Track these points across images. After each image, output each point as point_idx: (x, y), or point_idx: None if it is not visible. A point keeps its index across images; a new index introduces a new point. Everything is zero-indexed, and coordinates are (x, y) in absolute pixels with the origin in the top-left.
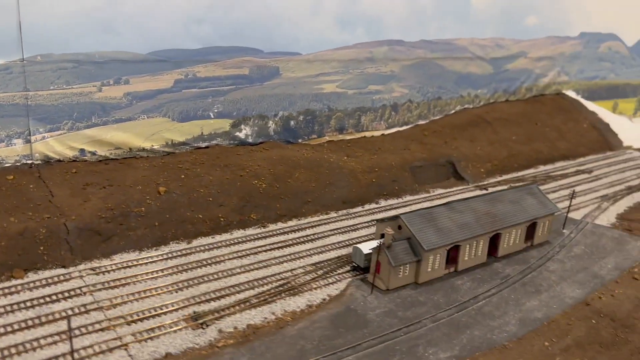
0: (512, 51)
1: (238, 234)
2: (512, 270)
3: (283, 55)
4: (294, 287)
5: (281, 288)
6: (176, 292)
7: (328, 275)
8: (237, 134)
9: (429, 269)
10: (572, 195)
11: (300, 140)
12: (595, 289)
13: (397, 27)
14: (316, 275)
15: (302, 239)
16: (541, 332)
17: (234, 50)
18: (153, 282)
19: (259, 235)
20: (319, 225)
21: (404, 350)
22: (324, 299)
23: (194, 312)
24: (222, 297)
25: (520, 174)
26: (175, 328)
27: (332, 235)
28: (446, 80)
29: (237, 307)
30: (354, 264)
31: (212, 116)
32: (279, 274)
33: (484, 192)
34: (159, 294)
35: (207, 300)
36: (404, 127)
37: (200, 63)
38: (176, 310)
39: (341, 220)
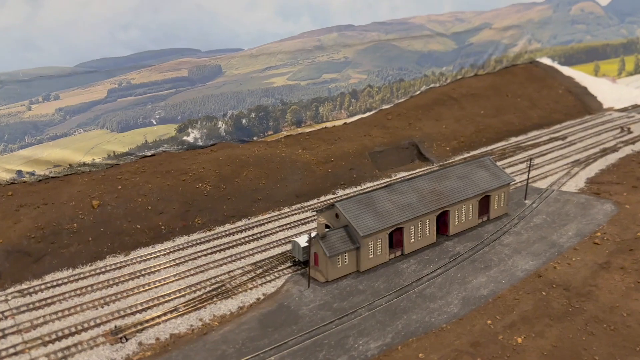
0: (475, 24)
1: (181, 240)
2: (463, 248)
3: (223, 52)
4: (228, 290)
5: (214, 292)
6: (102, 307)
7: (267, 274)
8: (185, 138)
9: (371, 256)
10: (530, 164)
11: (255, 138)
12: (550, 259)
13: (345, 11)
14: (254, 275)
15: (247, 239)
16: (485, 310)
17: (169, 52)
18: (80, 299)
19: (203, 240)
20: (268, 222)
21: (332, 344)
22: (258, 299)
23: (115, 327)
24: (149, 308)
25: (489, 148)
26: (93, 345)
27: (280, 231)
28: (406, 61)
29: (164, 317)
30: (294, 259)
31: (155, 122)
32: (215, 277)
33: (429, 169)
34: (83, 311)
35: (133, 313)
36: (367, 114)
37: (134, 69)
38: (97, 326)
39: (293, 214)
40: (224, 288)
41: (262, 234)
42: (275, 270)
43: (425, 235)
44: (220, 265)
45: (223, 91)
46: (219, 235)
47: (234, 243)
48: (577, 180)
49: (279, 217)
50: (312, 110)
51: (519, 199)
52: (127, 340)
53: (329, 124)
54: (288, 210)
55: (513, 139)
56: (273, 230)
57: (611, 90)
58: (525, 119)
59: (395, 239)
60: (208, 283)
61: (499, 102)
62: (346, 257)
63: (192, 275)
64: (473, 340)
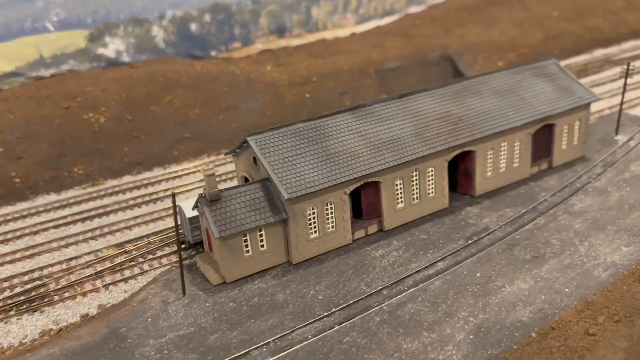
0: None
1: (43, 200)
2: (497, 219)
3: None
4: (45, 295)
5: (21, 298)
6: None
7: (129, 265)
8: (103, 51)
9: (313, 234)
10: (627, 70)
11: (214, 53)
12: None
13: None
14: (104, 268)
15: (144, 200)
16: None
17: None
18: None
19: (78, 199)
20: (194, 173)
21: None
22: (84, 315)
23: None
24: None
25: (563, 62)
26: None
27: (199, 188)
28: None
29: None
30: (184, 239)
31: (52, 28)
32: (41, 269)
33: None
34: None
35: None
36: (386, 19)
37: None
38: None
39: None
40: (41, 291)
41: (171, 192)
42: (149, 258)
43: (427, 196)
44: (66, 246)
45: None
46: (107, 192)
47: (117, 207)
48: None
49: (216, 164)
50: (302, 12)
51: (605, 134)
52: None
53: (328, 34)
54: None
55: (600, 51)
56: (191, 187)
57: None
58: (619, 24)
59: (366, 203)
60: (25, 279)
61: (579, 1)
62: (262, 237)
63: (14, 262)
64: None
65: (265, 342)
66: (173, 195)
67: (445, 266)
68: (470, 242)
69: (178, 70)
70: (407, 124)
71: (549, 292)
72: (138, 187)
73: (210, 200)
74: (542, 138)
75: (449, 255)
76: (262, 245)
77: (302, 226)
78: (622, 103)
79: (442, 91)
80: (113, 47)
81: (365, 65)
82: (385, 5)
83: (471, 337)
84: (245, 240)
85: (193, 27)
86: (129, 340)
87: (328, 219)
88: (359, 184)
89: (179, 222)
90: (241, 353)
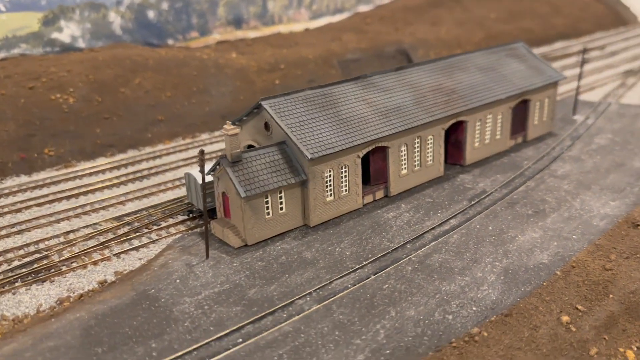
0: None
1: (13, 182)
2: (491, 183)
3: None
4: (51, 266)
5: (23, 271)
6: None
7: (135, 235)
8: (57, 36)
9: (329, 197)
10: (583, 57)
11: (171, 42)
12: (639, 202)
13: None
14: (109, 239)
15: (127, 179)
16: (551, 293)
17: None
18: None
19: (54, 180)
20: (171, 153)
21: None
22: (102, 282)
23: None
24: None
25: None
26: None
27: (186, 165)
28: None
29: None
30: (191, 208)
31: (3, 9)
32: (36, 243)
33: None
34: None
35: None
36: (338, 16)
37: None
38: None
39: (215, 143)
40: (44, 263)
41: (156, 171)
42: (154, 228)
43: (426, 164)
44: (57, 221)
45: None
46: (86, 173)
47: (101, 185)
48: (639, 92)
49: (191, 146)
50: (258, 4)
51: (564, 115)
52: None
53: (283, 28)
54: (208, 136)
55: (534, 50)
56: (175, 166)
57: None
58: (548, 27)
59: (374, 168)
60: (21, 253)
61: (512, 6)
62: (282, 200)
63: (1, 238)
64: None
65: (307, 292)
66: (201, 152)
67: (457, 223)
68: (473, 202)
69: (143, 54)
70: (407, 94)
71: (559, 239)
72: (117, 168)
73: (232, 161)
74: (519, 113)
75: (458, 214)
76: (282, 208)
77: (320, 188)
78: (578, 87)
79: (432, 66)
80: (68, 31)
81: (328, 55)
82: (337, 3)
83: (502, 278)
84: (267, 202)
85: (151, 14)
86: (162, 300)
87: (342, 182)
88: (370, 148)
89: (186, 190)
90: (286, 303)
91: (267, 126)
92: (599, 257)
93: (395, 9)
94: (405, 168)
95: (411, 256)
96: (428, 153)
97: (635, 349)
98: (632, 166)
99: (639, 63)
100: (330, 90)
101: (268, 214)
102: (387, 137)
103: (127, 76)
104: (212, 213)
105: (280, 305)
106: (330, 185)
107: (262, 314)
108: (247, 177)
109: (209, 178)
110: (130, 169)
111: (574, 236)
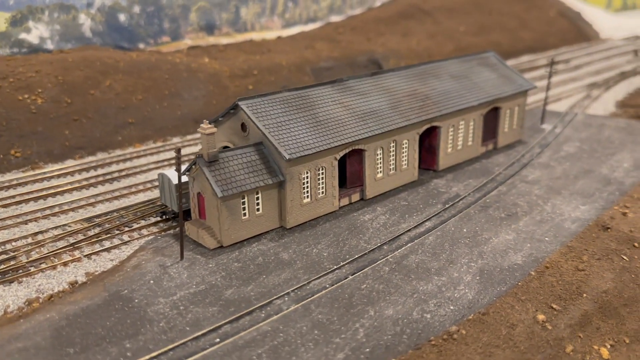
0: None
1: None
2: (464, 188)
3: None
4: (19, 267)
5: None
6: None
7: (107, 236)
8: (25, 36)
9: (306, 199)
10: (551, 68)
11: (143, 46)
12: (612, 202)
13: None
14: (79, 240)
15: (97, 180)
16: (525, 292)
17: None
18: None
19: (18, 183)
20: (142, 156)
21: None
22: (74, 283)
23: None
24: None
25: None
26: None
27: (157, 168)
28: None
29: None
30: (165, 209)
31: None
32: (2, 244)
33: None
34: None
35: None
36: (310, 25)
37: None
38: None
39: (187, 146)
40: (11, 264)
41: (126, 173)
42: (126, 230)
43: (401, 168)
44: (25, 222)
45: None
46: (54, 175)
47: (70, 187)
48: (604, 104)
49: (162, 149)
50: (231, 11)
51: (532, 124)
52: None
53: (255, 35)
54: (180, 140)
55: None
56: (146, 168)
57: (608, 18)
58: (515, 41)
59: (350, 171)
60: None
61: (481, 19)
62: (259, 201)
63: None
64: None
65: (285, 292)
66: (178, 150)
67: (432, 225)
68: (447, 205)
69: (114, 56)
70: (383, 98)
71: (532, 241)
72: (87, 170)
73: (209, 161)
74: (490, 121)
75: (433, 217)
76: (258, 209)
77: (297, 190)
78: (546, 97)
79: (407, 72)
80: (37, 32)
81: (301, 63)
82: (310, 12)
83: (478, 278)
84: (244, 203)
85: (122, 17)
86: (136, 301)
87: (319, 184)
88: (347, 150)
89: (159, 190)
90: (264, 303)
91: (243, 127)
92: (571, 259)
93: (367, 19)
94: (381, 171)
95: (388, 257)
96: (403, 157)
97: (609, 346)
98: (600, 173)
99: (602, 76)
100: (307, 93)
101: (244, 214)
102: (363, 140)
103: (97, 78)
104: (187, 214)
105: (258, 305)
106: (307, 187)
107: (240, 313)
108: (224, 177)
109: (184, 178)
110: (100, 171)
111: (546, 238)
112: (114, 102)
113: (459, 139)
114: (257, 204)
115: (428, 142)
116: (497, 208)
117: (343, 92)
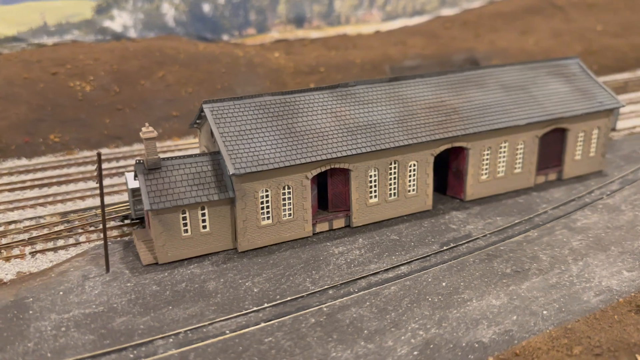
0: None
1: (10, 164)
2: (483, 227)
3: None
4: None
5: None
6: None
7: (68, 234)
8: (109, 24)
9: (265, 221)
10: None
11: (226, 38)
12: None
13: None
14: (40, 235)
15: (111, 171)
16: None
17: None
18: None
19: (46, 166)
20: (178, 150)
21: None
22: (0, 280)
23: None
24: None
25: (604, 79)
26: None
27: None
28: None
29: None
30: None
31: None
32: None
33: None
34: None
35: None
36: (416, 19)
37: None
38: None
39: None
40: None
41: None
42: (89, 230)
43: (406, 194)
44: (12, 210)
45: None
46: (78, 162)
47: (80, 177)
48: None
49: (197, 145)
50: (324, 3)
51: (631, 151)
52: None
53: (350, 30)
54: None
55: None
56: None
57: None
58: None
59: (333, 192)
60: None
61: (629, 18)
62: (205, 217)
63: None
64: None
65: (175, 332)
66: (98, 155)
67: (408, 271)
68: (445, 248)
69: (178, 47)
70: (391, 109)
71: (523, 313)
72: (109, 160)
73: (148, 168)
74: (553, 144)
75: (416, 260)
76: (205, 227)
77: (251, 209)
78: None
79: (439, 79)
80: (120, 20)
81: (381, 60)
82: (415, 4)
83: (415, 353)
84: (184, 218)
85: (206, 7)
86: (30, 312)
87: (285, 205)
88: (323, 169)
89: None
90: (143, 341)
91: (212, 133)
92: (558, 347)
93: (483, 13)
94: (375, 196)
95: (323, 306)
96: (410, 182)
97: None
98: None
99: None
100: (294, 98)
101: (186, 231)
102: (346, 158)
103: (152, 68)
104: (143, 222)
105: (134, 343)
106: (267, 207)
107: (108, 349)
108: (160, 187)
109: (136, 184)
110: (122, 162)
111: (544, 311)
112: (162, 93)
113: (498, 165)
114: (204, 221)
115: (456, 166)
116: (507, 260)
117: (341, 100)
